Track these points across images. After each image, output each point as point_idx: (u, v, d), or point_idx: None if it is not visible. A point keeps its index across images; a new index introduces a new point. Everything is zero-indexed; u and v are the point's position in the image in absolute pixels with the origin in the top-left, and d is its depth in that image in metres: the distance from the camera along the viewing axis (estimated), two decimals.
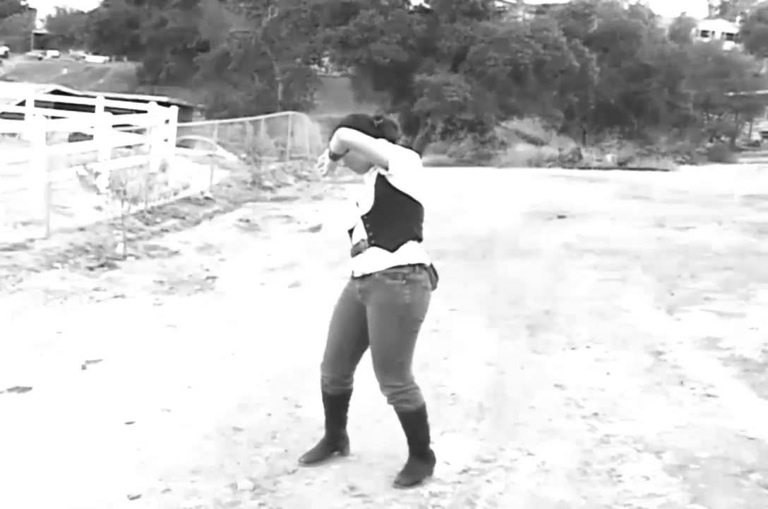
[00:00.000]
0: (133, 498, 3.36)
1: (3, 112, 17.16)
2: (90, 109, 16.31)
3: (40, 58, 72.87)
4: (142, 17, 56.04)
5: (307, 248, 9.31)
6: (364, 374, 3.64)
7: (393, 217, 3.40)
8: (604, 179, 18.37)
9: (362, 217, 3.43)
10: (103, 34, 57.74)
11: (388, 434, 3.93)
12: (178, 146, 16.23)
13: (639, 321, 6.44)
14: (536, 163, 26.13)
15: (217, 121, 18.42)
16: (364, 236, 3.43)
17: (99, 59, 70.22)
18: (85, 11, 64.27)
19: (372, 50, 41.48)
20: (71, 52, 75.46)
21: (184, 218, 10.75)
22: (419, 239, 3.47)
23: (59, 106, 19.56)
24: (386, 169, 3.33)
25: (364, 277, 3.44)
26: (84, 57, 72.51)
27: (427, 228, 3.52)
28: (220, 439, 3.98)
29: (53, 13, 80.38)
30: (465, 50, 41.37)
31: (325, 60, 53.65)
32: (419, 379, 3.55)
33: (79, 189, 8.98)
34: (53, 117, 14.52)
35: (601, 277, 8.03)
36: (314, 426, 4.00)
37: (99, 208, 8.68)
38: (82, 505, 3.32)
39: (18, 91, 23.22)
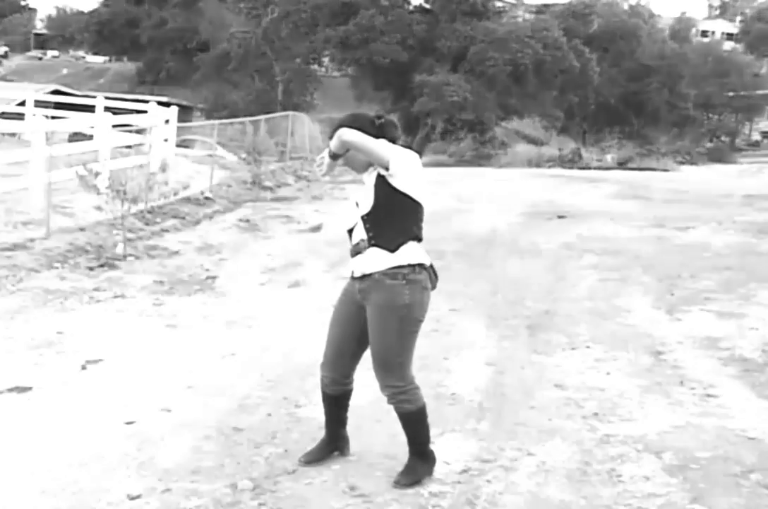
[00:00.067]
0: (133, 498, 3.36)
1: (3, 112, 17.17)
2: (90, 109, 16.34)
3: (40, 58, 72.88)
4: (142, 17, 56.03)
5: (307, 248, 9.31)
6: (364, 374, 3.64)
7: (393, 217, 3.39)
8: (604, 179, 18.36)
9: (362, 217, 3.43)
10: (103, 34, 57.74)
11: (388, 434, 3.93)
12: (178, 146, 16.26)
13: (639, 321, 6.44)
14: (536, 163, 26.12)
15: (217, 122, 18.44)
16: (364, 236, 3.43)
17: (99, 59, 70.23)
18: (85, 11, 64.26)
19: (372, 50, 41.52)
20: (71, 52, 75.46)
21: (184, 218, 10.74)
22: (419, 239, 3.47)
23: (59, 106, 19.58)
24: (386, 169, 3.33)
25: (363, 277, 3.44)
26: (84, 57, 72.52)
27: (427, 228, 3.52)
28: (220, 439, 3.98)
29: (53, 13, 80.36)
30: (465, 50, 41.41)
31: (325, 60, 53.69)
32: (419, 379, 3.55)
33: (79, 189, 8.98)
34: (53, 117, 14.53)
35: (601, 277, 8.03)
36: (314, 426, 4.00)
37: (99, 208, 8.68)
38: (82, 505, 3.32)
39: (18, 91, 23.20)
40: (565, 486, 3.55)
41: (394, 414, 3.54)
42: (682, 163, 29.93)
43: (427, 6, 45.00)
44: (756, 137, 62.53)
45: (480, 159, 30.64)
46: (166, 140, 13.49)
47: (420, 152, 9.61)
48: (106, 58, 70.19)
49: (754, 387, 4.92)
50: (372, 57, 41.58)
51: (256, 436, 4.01)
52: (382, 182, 3.38)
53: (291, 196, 13.87)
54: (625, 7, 54.96)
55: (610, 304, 6.97)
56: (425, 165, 4.02)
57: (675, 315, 6.61)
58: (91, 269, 7.68)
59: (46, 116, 12.65)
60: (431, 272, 3.49)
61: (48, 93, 27.76)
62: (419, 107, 39.79)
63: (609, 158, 27.86)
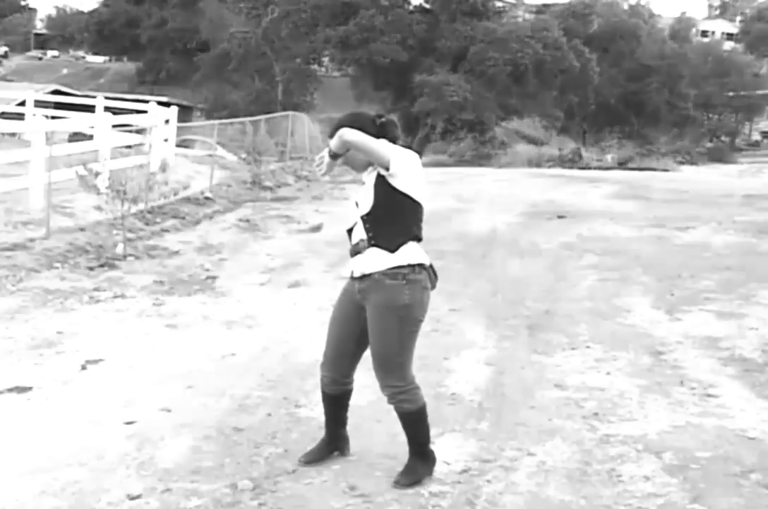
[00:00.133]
0: (133, 498, 3.36)
1: (3, 112, 17.16)
2: (90, 109, 16.36)
3: (40, 58, 72.84)
4: (142, 17, 56.00)
5: (307, 248, 9.31)
6: (364, 374, 3.64)
7: (393, 217, 3.39)
8: (604, 179, 18.35)
9: (362, 217, 3.43)
10: (103, 34, 57.73)
11: (388, 434, 3.93)
12: (178, 146, 16.26)
13: (639, 321, 6.44)
14: (536, 163, 26.11)
15: (217, 122, 18.43)
16: (364, 236, 3.43)
17: (99, 59, 70.21)
18: (85, 11, 64.29)
19: (372, 50, 41.54)
20: (71, 52, 75.42)
21: (184, 218, 10.74)
22: (419, 239, 3.47)
23: (59, 106, 19.59)
24: (387, 169, 3.33)
25: (363, 277, 3.44)
26: (84, 57, 72.49)
27: (427, 228, 3.52)
28: (220, 439, 3.98)
29: (53, 13, 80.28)
30: (465, 50, 41.44)
31: (325, 60, 53.70)
32: (419, 379, 3.55)
33: (79, 189, 8.98)
34: (53, 117, 14.55)
35: (601, 277, 8.03)
36: (314, 426, 4.00)
37: (99, 208, 8.68)
38: (82, 505, 3.32)
39: (18, 91, 23.21)
40: (565, 486, 3.55)
41: (394, 414, 3.54)
42: (682, 163, 29.95)
43: (427, 6, 45.05)
44: (756, 136, 62.55)
45: (480, 159, 30.62)
46: (166, 140, 13.50)
47: (420, 152, 9.60)
48: (106, 58, 70.17)
49: (754, 387, 4.92)
50: (372, 57, 41.61)
51: (256, 436, 4.01)
52: (382, 182, 3.38)
53: (291, 196, 13.86)
54: (625, 7, 55.01)
55: (610, 304, 6.97)
56: (425, 165, 4.02)
57: (675, 315, 6.61)
58: (91, 269, 7.69)
59: (46, 116, 12.66)
60: (431, 272, 3.49)
61: (48, 93, 27.80)
62: (419, 107, 39.83)
63: (609, 157, 27.86)
